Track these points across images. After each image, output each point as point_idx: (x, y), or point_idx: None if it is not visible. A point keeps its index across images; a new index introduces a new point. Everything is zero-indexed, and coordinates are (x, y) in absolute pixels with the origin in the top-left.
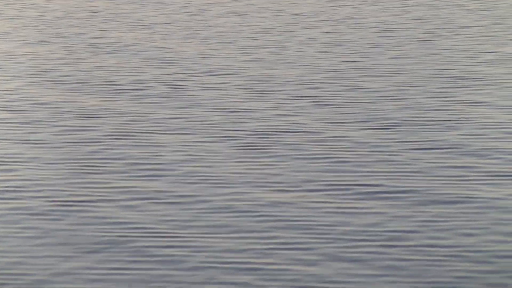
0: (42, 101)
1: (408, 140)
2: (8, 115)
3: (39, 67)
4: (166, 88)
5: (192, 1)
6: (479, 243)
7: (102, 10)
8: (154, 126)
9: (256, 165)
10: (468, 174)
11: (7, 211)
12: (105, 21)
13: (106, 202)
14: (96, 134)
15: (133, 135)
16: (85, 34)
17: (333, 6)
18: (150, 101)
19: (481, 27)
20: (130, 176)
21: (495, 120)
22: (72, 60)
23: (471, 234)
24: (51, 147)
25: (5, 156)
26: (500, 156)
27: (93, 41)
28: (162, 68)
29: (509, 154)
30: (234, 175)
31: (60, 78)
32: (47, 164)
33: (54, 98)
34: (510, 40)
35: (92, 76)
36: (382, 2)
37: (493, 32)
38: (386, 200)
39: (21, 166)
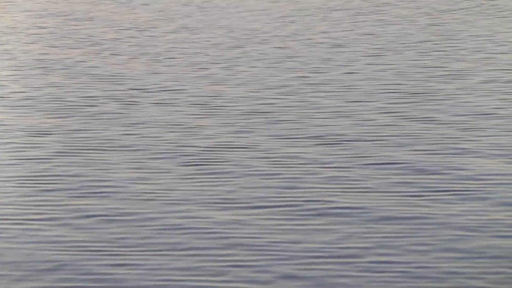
0: None
1: (360, 156)
2: None
3: None
4: (117, 105)
5: (141, 17)
6: (432, 260)
7: (51, 27)
8: (105, 144)
9: (208, 182)
10: (421, 190)
11: None
12: (54, 38)
13: (57, 220)
14: (46, 152)
15: (83, 153)
16: (34, 50)
17: (284, 22)
18: (100, 118)
19: (432, 43)
20: (81, 194)
21: (447, 136)
22: (21, 77)
23: (424, 251)
24: (0, 165)
25: None
26: (452, 172)
27: (42, 57)
28: (113, 84)
29: (461, 170)
30: (186, 192)
31: (9, 95)
32: None
33: (3, 116)
34: (461, 55)
35: (41, 93)
36: (333, 17)
37: (444, 47)
38: (339, 217)
39: None
